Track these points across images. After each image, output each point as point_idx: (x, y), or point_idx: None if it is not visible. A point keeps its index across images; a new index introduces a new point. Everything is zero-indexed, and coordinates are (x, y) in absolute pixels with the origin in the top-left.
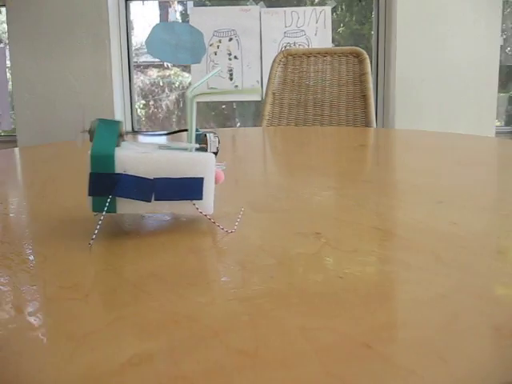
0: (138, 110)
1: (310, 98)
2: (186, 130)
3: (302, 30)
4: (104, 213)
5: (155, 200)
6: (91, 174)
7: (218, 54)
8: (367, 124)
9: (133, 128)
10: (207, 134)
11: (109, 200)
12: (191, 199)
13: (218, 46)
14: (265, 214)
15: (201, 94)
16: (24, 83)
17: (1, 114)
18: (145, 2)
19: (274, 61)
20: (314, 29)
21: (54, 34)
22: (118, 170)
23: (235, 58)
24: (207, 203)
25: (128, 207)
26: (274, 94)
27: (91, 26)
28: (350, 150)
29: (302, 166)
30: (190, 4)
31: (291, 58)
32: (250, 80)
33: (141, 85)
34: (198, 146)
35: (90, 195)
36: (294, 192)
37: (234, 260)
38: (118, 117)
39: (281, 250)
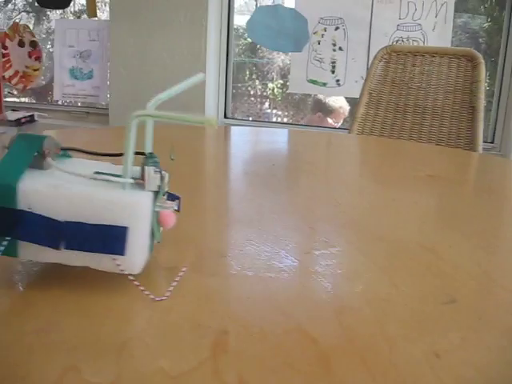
0: (275, 89)
1: (411, 102)
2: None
3: (419, 24)
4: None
5: (65, 249)
6: None
7: (321, 44)
8: (472, 143)
9: (225, 115)
10: (146, 168)
11: (5, 243)
12: (111, 253)
13: (322, 35)
14: (208, 279)
15: (146, 116)
16: (121, 59)
17: (100, 86)
18: None
19: (375, 57)
20: (433, 23)
21: (154, 11)
22: (22, 205)
23: (340, 49)
24: (133, 260)
25: (33, 253)
26: (370, 93)
27: (190, 5)
28: (409, 181)
29: (329, 203)
30: None
31: (395, 56)
32: (353, 75)
33: (281, 64)
34: (132, 181)
35: None
36: (274, 250)
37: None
38: (210, 101)
39: (180, 363)
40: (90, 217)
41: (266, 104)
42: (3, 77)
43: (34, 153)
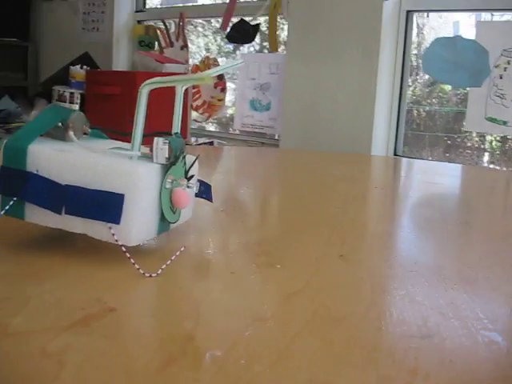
0: (494, 143)
1: None
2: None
3: None
4: (2, 213)
5: (66, 214)
6: (1, 168)
7: (503, 78)
8: None
9: (395, 152)
10: (155, 139)
11: (12, 202)
12: (106, 220)
13: (505, 69)
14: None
15: (152, 83)
16: (294, 89)
17: (276, 118)
18: (430, 13)
19: None
20: None
21: (327, 43)
22: (31, 167)
23: None
24: (128, 230)
25: (37, 216)
26: None
27: (363, 37)
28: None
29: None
30: (479, 16)
31: None
32: None
33: None
34: (139, 153)
35: None
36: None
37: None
38: (378, 136)
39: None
40: (91, 182)
41: (484, 158)
42: (191, 105)
43: (55, 123)
